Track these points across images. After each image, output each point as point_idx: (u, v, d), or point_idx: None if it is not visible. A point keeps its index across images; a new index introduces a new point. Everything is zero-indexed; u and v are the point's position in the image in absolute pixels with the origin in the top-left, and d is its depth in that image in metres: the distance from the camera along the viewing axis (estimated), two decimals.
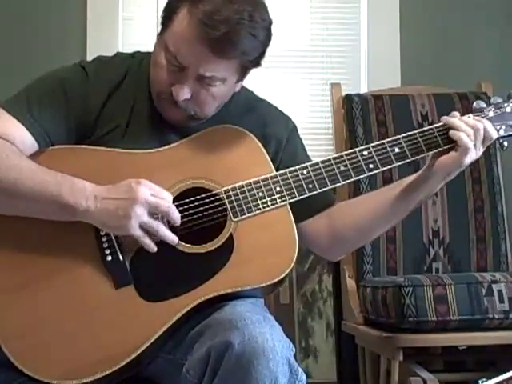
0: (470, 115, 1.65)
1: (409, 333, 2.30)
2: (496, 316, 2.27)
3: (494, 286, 2.29)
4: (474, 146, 1.59)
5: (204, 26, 1.49)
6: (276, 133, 1.73)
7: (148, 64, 1.64)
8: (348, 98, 2.87)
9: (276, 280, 1.52)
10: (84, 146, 1.60)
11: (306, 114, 3.27)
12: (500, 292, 2.29)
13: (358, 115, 2.83)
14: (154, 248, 1.51)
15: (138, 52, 1.74)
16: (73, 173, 1.52)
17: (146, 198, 1.48)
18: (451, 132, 1.60)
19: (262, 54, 1.59)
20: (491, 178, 2.80)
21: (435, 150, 1.62)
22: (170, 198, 1.52)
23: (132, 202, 1.47)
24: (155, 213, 1.50)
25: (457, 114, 1.65)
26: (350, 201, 1.86)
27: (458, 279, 2.30)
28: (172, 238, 1.52)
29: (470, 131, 1.59)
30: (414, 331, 2.29)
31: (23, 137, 1.55)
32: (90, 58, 1.73)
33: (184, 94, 1.57)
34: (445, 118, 1.63)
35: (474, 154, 1.60)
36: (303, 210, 1.67)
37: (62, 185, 1.48)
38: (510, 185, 2.94)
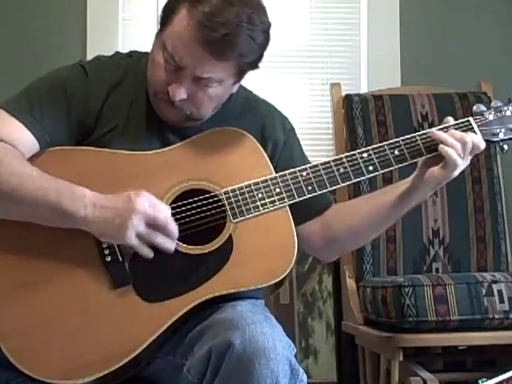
0: (472, 120, 1.64)
1: (409, 333, 2.30)
2: (496, 316, 2.27)
3: (494, 285, 2.29)
4: (462, 157, 1.59)
5: (203, 27, 1.49)
6: (273, 135, 1.72)
7: (145, 64, 1.64)
8: (348, 98, 2.87)
9: (274, 281, 1.52)
10: (84, 148, 1.59)
11: (305, 114, 3.26)
12: (500, 292, 2.29)
13: (357, 115, 2.82)
14: (150, 255, 1.51)
15: (136, 51, 1.74)
16: (73, 174, 1.52)
17: (144, 209, 1.47)
18: (440, 146, 1.59)
19: (259, 57, 1.60)
20: (491, 177, 2.80)
21: (435, 153, 1.61)
22: (168, 210, 1.51)
23: (130, 212, 1.47)
24: (152, 224, 1.49)
25: (451, 119, 1.65)
26: (343, 203, 1.86)
27: (457, 279, 2.31)
28: (168, 246, 1.51)
29: (458, 145, 1.58)
30: (414, 331, 2.29)
31: (24, 138, 1.54)
32: (89, 58, 1.73)
33: (180, 94, 1.57)
34: (432, 132, 1.62)
35: (462, 165, 1.59)
36: (301, 213, 1.66)
37: (61, 192, 1.47)
38: (510, 185, 2.95)
